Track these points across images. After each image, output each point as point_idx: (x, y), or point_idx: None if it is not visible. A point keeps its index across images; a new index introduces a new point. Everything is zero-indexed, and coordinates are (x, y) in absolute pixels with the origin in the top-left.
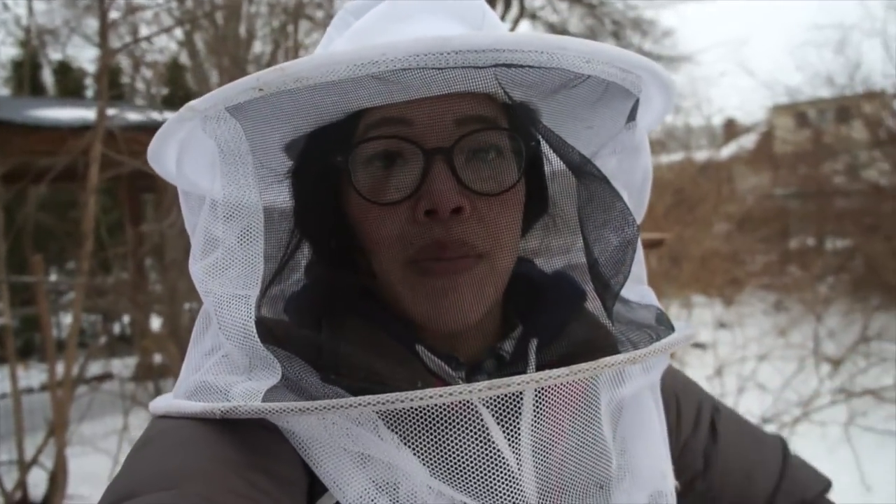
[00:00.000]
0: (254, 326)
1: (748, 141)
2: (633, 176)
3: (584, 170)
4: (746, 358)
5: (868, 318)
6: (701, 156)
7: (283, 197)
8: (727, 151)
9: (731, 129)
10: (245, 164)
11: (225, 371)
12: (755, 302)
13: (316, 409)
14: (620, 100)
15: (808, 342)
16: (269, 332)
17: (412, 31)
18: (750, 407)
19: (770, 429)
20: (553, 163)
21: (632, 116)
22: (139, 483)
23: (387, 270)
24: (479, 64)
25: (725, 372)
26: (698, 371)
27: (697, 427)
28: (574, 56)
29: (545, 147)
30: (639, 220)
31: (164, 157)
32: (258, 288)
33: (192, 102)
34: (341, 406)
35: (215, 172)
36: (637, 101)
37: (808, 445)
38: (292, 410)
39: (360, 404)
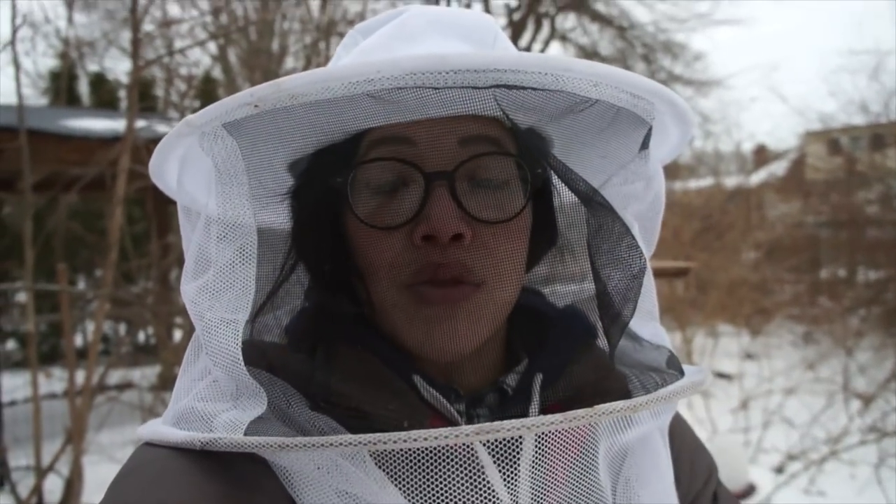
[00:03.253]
0: (240, 353)
1: (779, 168)
2: (644, 206)
3: (592, 200)
4: (773, 391)
5: None
6: (730, 182)
7: (280, 218)
8: (757, 178)
9: (762, 156)
10: (240, 184)
11: (212, 397)
12: (783, 333)
13: (297, 446)
14: (633, 127)
15: (837, 377)
16: (262, 356)
17: (418, 51)
18: (776, 442)
19: (796, 466)
20: (561, 192)
21: (645, 144)
22: None
23: (382, 296)
24: (479, 84)
25: (751, 405)
26: (723, 403)
27: (706, 488)
28: (580, 79)
29: (552, 175)
30: (650, 252)
31: (164, 172)
32: (248, 312)
33: (190, 117)
34: (324, 444)
35: (211, 189)
36: (650, 129)
37: (836, 485)
38: (273, 447)
39: (342, 444)
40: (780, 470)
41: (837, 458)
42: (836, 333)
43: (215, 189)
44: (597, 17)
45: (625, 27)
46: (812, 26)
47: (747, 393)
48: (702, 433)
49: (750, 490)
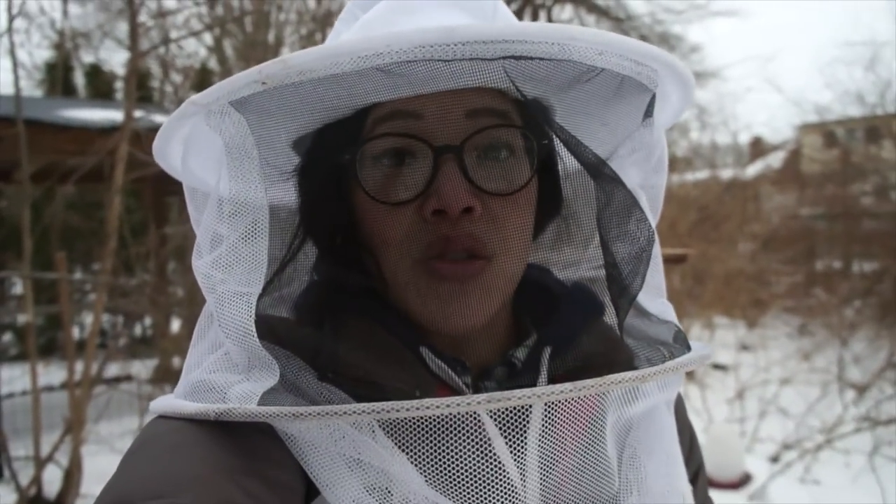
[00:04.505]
0: (253, 325)
1: (775, 159)
2: (649, 176)
3: (598, 171)
4: (769, 381)
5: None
6: (726, 174)
7: (288, 195)
8: (753, 170)
9: (758, 148)
10: (251, 159)
11: (224, 369)
12: (779, 325)
13: (311, 415)
14: (636, 95)
15: (832, 367)
16: (270, 330)
17: (420, 23)
18: (771, 432)
19: (791, 455)
20: (566, 163)
21: (649, 112)
22: (131, 490)
23: (393, 270)
24: (487, 56)
25: (747, 395)
26: (719, 394)
27: (701, 473)
28: (585, 47)
29: (558, 146)
30: (654, 223)
31: (168, 153)
32: (261, 286)
33: (195, 97)
34: (336, 413)
35: (221, 168)
36: (653, 97)
37: (831, 473)
38: (287, 415)
39: (355, 412)
40: (775, 459)
41: (832, 447)
42: (831, 324)
43: (226, 164)
44: (593, 8)
45: (621, 18)
46: (808, 17)
47: (743, 383)
48: (698, 423)
49: (746, 479)
